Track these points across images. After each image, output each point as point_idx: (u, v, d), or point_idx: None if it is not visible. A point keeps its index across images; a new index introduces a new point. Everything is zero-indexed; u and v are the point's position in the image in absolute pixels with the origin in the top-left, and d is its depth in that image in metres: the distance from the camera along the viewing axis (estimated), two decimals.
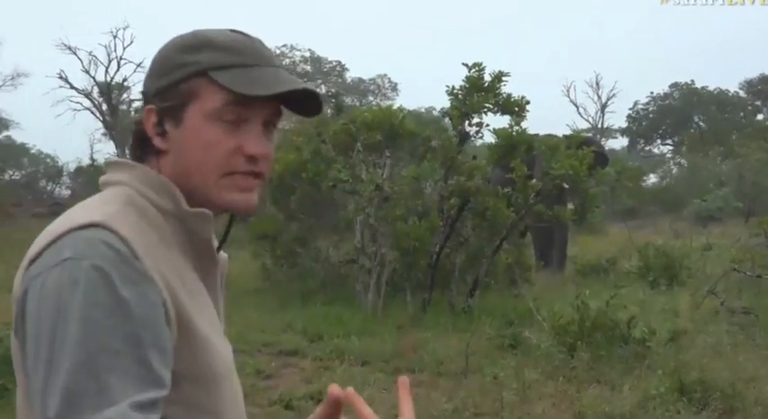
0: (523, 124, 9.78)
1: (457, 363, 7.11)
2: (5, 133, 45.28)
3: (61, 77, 36.25)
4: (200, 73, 1.28)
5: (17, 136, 45.89)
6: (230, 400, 1.33)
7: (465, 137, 9.82)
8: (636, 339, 7.04)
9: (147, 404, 1.09)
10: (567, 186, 9.84)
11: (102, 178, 1.34)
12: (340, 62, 51.21)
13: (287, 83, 1.30)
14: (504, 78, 9.69)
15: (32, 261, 1.19)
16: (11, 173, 42.50)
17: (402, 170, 11.41)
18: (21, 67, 50.06)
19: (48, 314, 1.12)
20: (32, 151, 44.63)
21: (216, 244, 1.41)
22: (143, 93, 1.36)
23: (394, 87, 52.13)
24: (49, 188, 38.95)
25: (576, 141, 10.72)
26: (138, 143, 1.35)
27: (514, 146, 9.47)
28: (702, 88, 52.19)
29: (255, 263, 12.86)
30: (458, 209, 9.61)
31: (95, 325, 1.10)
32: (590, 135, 34.12)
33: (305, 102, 1.35)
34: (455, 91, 9.73)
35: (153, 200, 1.28)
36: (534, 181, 9.62)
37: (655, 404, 5.61)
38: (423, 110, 41.17)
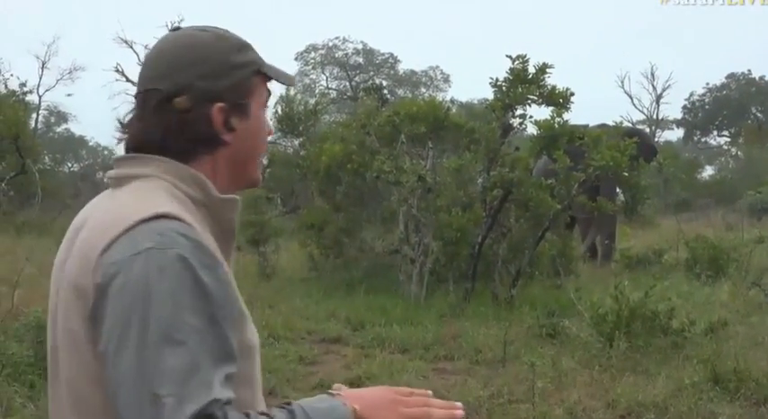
0: (567, 115, 9.73)
1: (495, 351, 7.18)
2: (64, 126, 46.37)
3: (118, 70, 36.74)
4: (256, 71, 1.47)
5: (75, 129, 46.98)
6: (259, 370, 1.46)
7: (508, 128, 9.85)
8: (674, 329, 7.05)
9: (224, 380, 1.22)
10: (626, 175, 9.75)
11: (127, 171, 1.43)
12: (392, 54, 51.20)
13: (291, 74, 1.57)
14: (548, 70, 9.66)
15: (104, 250, 1.26)
16: (69, 165, 43.49)
17: (446, 161, 11.47)
18: (78, 62, 51.26)
19: (137, 299, 1.21)
20: (91, 143, 45.66)
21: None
22: (198, 89, 1.40)
23: (446, 79, 51.97)
24: (105, 180, 39.76)
25: (620, 132, 10.65)
26: (185, 137, 1.41)
27: (556, 137, 9.47)
28: (760, 78, 51.15)
29: (303, 253, 13.07)
30: (500, 199, 9.64)
31: (184, 308, 1.22)
32: (634, 126, 33.73)
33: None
34: (499, 83, 9.75)
35: (183, 190, 1.40)
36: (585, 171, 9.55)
37: (688, 393, 5.65)
38: (476, 101, 41.03)
